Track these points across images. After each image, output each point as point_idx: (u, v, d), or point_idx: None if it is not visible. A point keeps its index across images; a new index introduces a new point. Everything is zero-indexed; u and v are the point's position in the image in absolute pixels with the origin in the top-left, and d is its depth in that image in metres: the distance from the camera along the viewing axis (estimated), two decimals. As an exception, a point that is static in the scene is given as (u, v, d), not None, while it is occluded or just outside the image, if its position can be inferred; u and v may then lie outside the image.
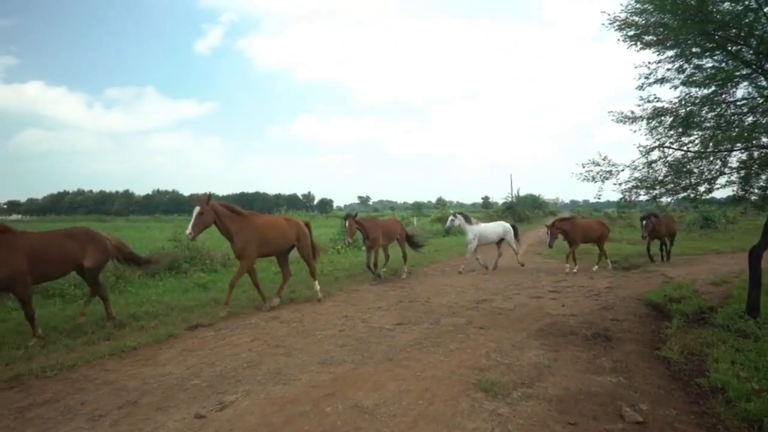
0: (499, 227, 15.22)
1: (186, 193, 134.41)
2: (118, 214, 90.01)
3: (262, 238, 9.02)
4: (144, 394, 4.84)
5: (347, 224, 12.16)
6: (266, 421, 4.19)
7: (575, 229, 14.23)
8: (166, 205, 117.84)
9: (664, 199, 8.02)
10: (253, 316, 8.43)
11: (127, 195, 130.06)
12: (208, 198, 8.22)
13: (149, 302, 8.97)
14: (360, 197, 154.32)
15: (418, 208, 61.81)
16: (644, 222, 15.24)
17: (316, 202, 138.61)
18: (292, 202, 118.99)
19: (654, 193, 7.55)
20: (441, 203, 36.07)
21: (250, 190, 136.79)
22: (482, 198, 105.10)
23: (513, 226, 15.59)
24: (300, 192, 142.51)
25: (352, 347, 6.42)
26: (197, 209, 8.04)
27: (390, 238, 13.39)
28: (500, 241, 15.17)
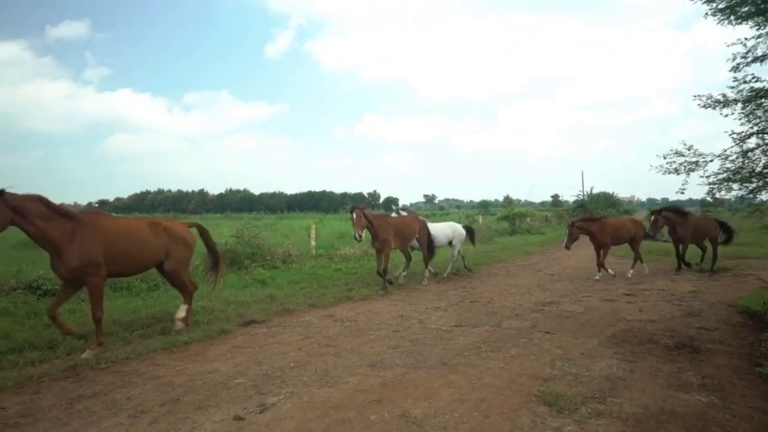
0: (447, 228, 13.11)
1: (256, 192, 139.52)
2: (194, 212, 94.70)
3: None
4: (188, 391, 4.72)
5: (354, 217, 10.21)
6: (306, 428, 3.91)
7: (604, 230, 12.16)
8: (238, 203, 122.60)
9: (763, 196, 7.04)
10: (307, 313, 8.26)
11: (201, 194, 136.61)
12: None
13: (207, 297, 9.02)
14: (425, 196, 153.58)
15: (484, 206, 60.52)
16: (653, 218, 12.74)
17: (381, 200, 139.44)
18: (358, 200, 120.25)
19: (750, 187, 6.64)
20: (508, 201, 34.91)
21: (317, 189, 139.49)
22: (551, 196, 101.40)
23: (468, 228, 13.85)
24: (366, 191, 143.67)
25: (405, 349, 6.05)
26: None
27: (405, 239, 11.38)
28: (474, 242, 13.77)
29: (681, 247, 13.01)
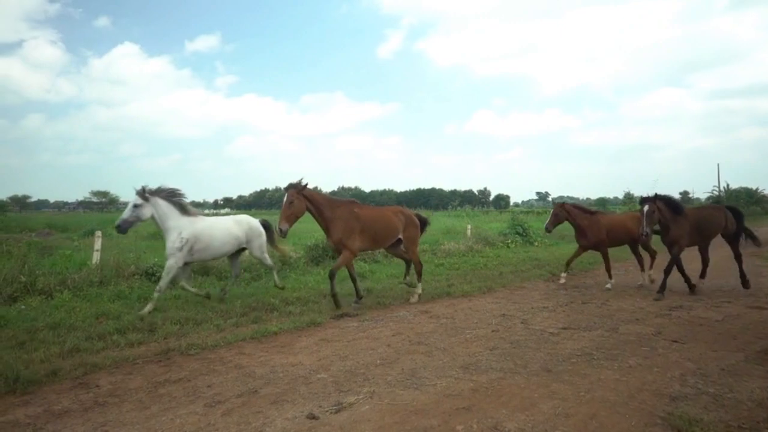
0: (234, 226, 8.00)
1: (367, 189, 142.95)
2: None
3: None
4: (267, 383, 4.53)
5: (285, 199, 7.22)
6: (381, 434, 3.51)
7: (595, 227, 9.85)
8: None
9: None
10: (402, 308, 7.89)
11: (316, 192, 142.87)
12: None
13: (305, 288, 9.03)
14: (538, 193, 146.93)
15: (602, 203, 56.42)
16: (645, 208, 8.70)
17: (491, 197, 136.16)
18: (467, 197, 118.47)
19: None
20: (629, 198, 31.88)
21: (426, 186, 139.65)
22: (680, 193, 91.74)
23: (265, 224, 8.65)
24: (476, 187, 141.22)
25: (504, 351, 5.42)
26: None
27: (378, 239, 8.12)
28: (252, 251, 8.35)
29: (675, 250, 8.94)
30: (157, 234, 19.17)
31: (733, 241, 9.53)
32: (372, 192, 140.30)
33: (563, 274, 10.44)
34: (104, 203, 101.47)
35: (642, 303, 8.01)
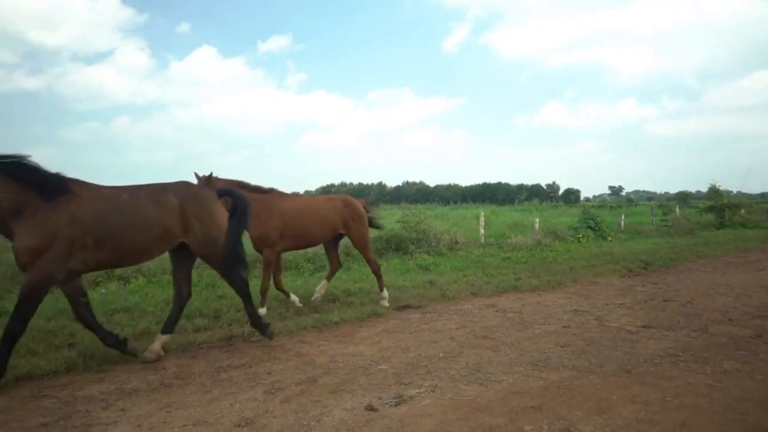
0: None
1: (432, 184, 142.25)
2: (373, 204, 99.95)
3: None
4: (327, 372, 4.45)
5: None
6: (443, 430, 3.31)
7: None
8: (414, 195, 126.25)
9: None
10: (467, 301, 7.62)
11: (380, 186, 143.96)
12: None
13: (367, 280, 8.93)
14: (611, 187, 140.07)
15: (683, 198, 52.94)
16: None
17: (560, 192, 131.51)
18: (535, 192, 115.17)
19: None
20: (714, 191, 29.63)
21: (492, 180, 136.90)
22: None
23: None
24: (544, 181, 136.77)
25: (577, 349, 5.06)
26: None
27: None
28: None
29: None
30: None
31: None
32: (437, 186, 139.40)
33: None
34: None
35: (735, 303, 7.27)
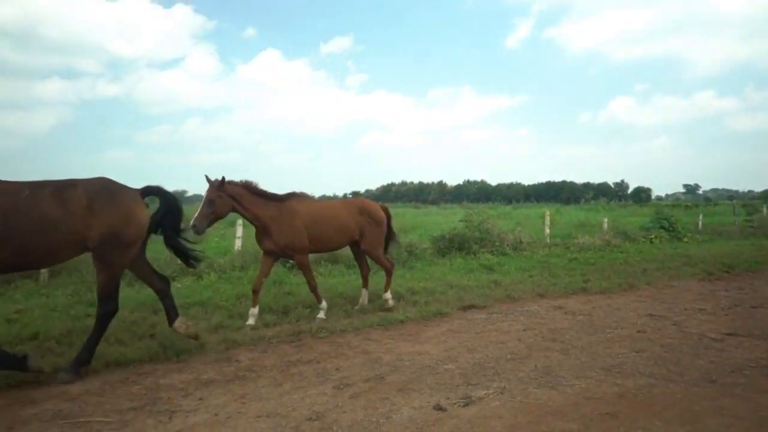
0: None
1: (493, 183, 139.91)
2: (433, 203, 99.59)
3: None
4: (394, 370, 4.48)
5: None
6: (514, 433, 3.25)
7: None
8: (475, 194, 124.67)
9: None
10: (533, 302, 7.44)
11: (440, 185, 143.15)
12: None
13: (431, 279, 8.92)
14: (686, 185, 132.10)
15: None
16: None
17: (630, 191, 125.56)
18: (602, 190, 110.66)
19: None
20: (807, 188, 27.20)
21: (557, 179, 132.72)
22: None
23: None
24: (611, 180, 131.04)
25: (654, 355, 4.82)
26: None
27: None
28: None
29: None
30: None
31: None
32: (498, 185, 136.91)
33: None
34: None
35: (832, 310, 6.69)
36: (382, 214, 7.16)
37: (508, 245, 12.89)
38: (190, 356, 4.82)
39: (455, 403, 3.71)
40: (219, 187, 5.91)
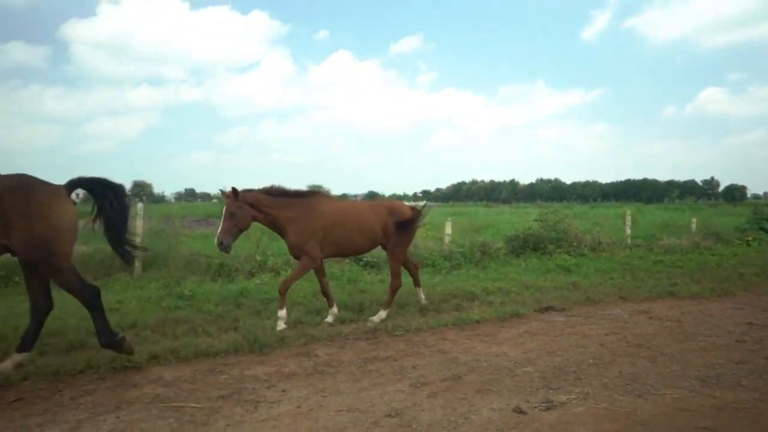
0: None
1: (568, 181, 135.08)
2: (505, 202, 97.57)
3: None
4: (471, 371, 4.43)
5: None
6: (601, 441, 3.12)
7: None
8: (548, 193, 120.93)
9: None
10: (615, 306, 7.10)
11: (513, 184, 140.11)
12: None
13: (506, 279, 8.75)
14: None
15: None
16: None
17: (721, 189, 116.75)
18: (688, 188, 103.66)
19: None
20: None
21: (637, 177, 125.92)
22: None
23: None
24: (699, 177, 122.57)
25: (758, 368, 4.45)
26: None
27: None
28: None
29: None
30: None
31: None
32: (573, 184, 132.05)
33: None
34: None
35: None
36: (412, 218, 6.42)
37: (585, 246, 12.40)
38: (272, 350, 5.01)
39: (536, 407, 3.62)
40: (236, 197, 5.65)
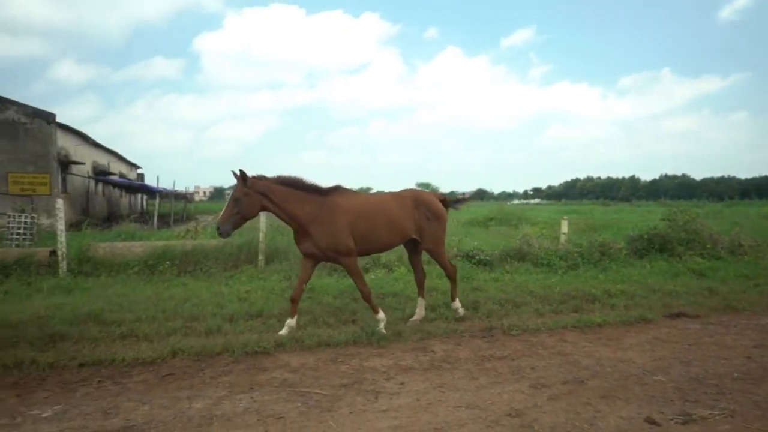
0: None
1: (697, 177, 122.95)
2: (623, 200, 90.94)
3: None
4: (594, 375, 4.22)
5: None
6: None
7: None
8: (674, 190, 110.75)
9: None
10: (764, 315, 6.36)
11: (632, 180, 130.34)
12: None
13: (629, 281, 8.19)
14: None
15: None
16: None
17: None
18: None
19: None
20: None
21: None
22: None
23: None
24: None
25: None
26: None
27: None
28: None
29: None
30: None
31: None
32: (704, 180, 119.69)
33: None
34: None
35: None
36: (441, 206, 6.16)
37: (722, 248, 11.20)
38: (390, 343, 5.15)
39: (671, 419, 3.36)
40: (244, 183, 5.19)
